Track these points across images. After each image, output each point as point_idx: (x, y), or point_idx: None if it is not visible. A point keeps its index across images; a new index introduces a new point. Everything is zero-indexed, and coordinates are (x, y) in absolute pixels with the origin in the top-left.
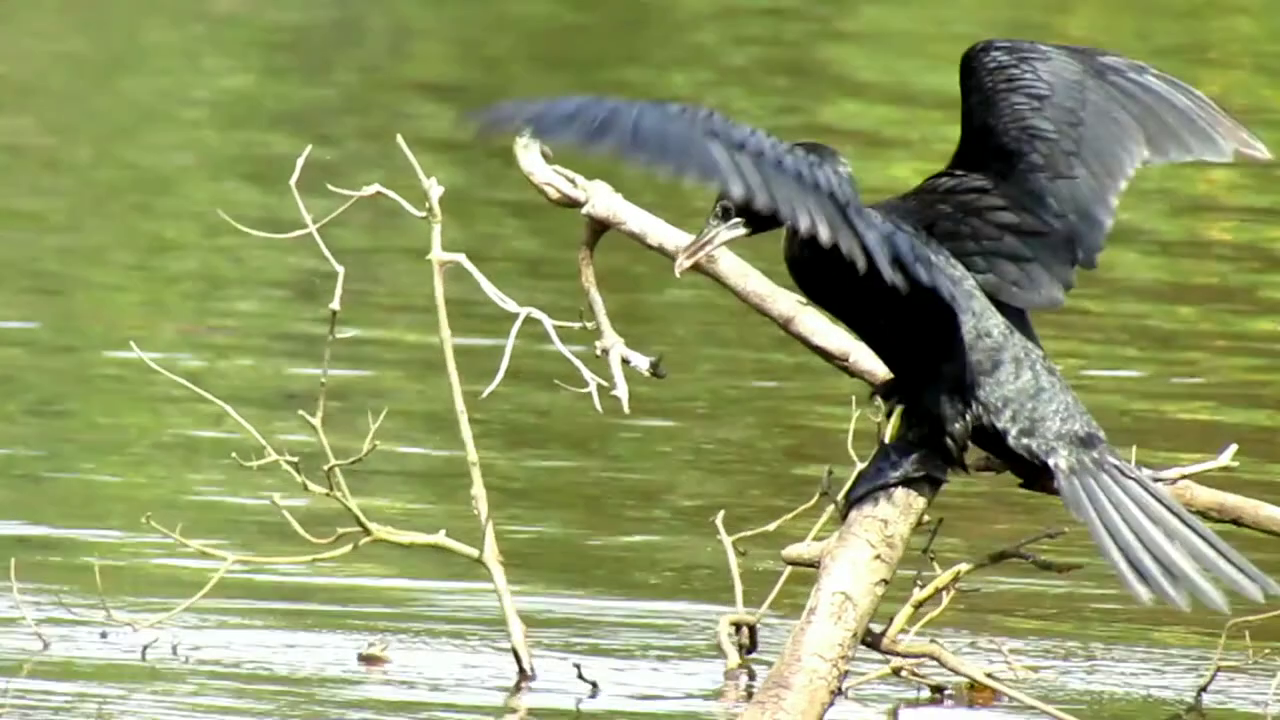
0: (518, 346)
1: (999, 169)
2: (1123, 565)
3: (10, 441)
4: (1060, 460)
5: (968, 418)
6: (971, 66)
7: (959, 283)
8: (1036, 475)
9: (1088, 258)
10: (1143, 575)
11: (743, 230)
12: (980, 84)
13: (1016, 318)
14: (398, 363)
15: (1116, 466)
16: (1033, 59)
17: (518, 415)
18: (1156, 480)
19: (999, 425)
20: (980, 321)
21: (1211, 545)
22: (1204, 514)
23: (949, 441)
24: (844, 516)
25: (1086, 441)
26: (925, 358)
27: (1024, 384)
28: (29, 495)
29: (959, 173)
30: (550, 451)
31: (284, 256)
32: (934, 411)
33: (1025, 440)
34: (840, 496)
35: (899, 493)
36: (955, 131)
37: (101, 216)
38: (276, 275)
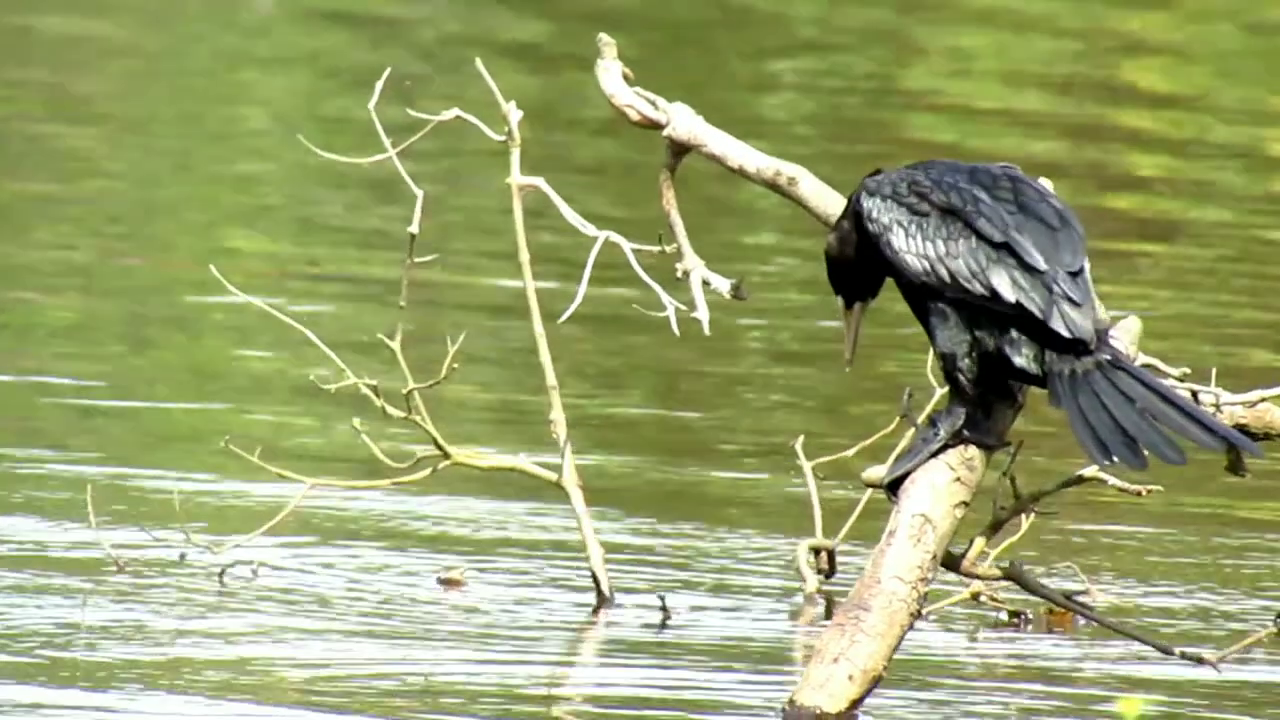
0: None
1: None
2: (1086, 437)
3: (95, 359)
4: (1055, 366)
5: (976, 353)
6: None
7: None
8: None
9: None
10: (1104, 444)
11: (870, 303)
12: None
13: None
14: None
15: (1110, 361)
16: None
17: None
18: (1232, 404)
19: (1004, 349)
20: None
21: (1188, 416)
22: None
23: (961, 379)
24: (891, 497)
25: (1086, 348)
26: (938, 303)
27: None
28: (110, 420)
29: None
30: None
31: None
32: (946, 350)
33: (1021, 361)
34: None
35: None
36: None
37: (181, 125)
38: (359, 178)
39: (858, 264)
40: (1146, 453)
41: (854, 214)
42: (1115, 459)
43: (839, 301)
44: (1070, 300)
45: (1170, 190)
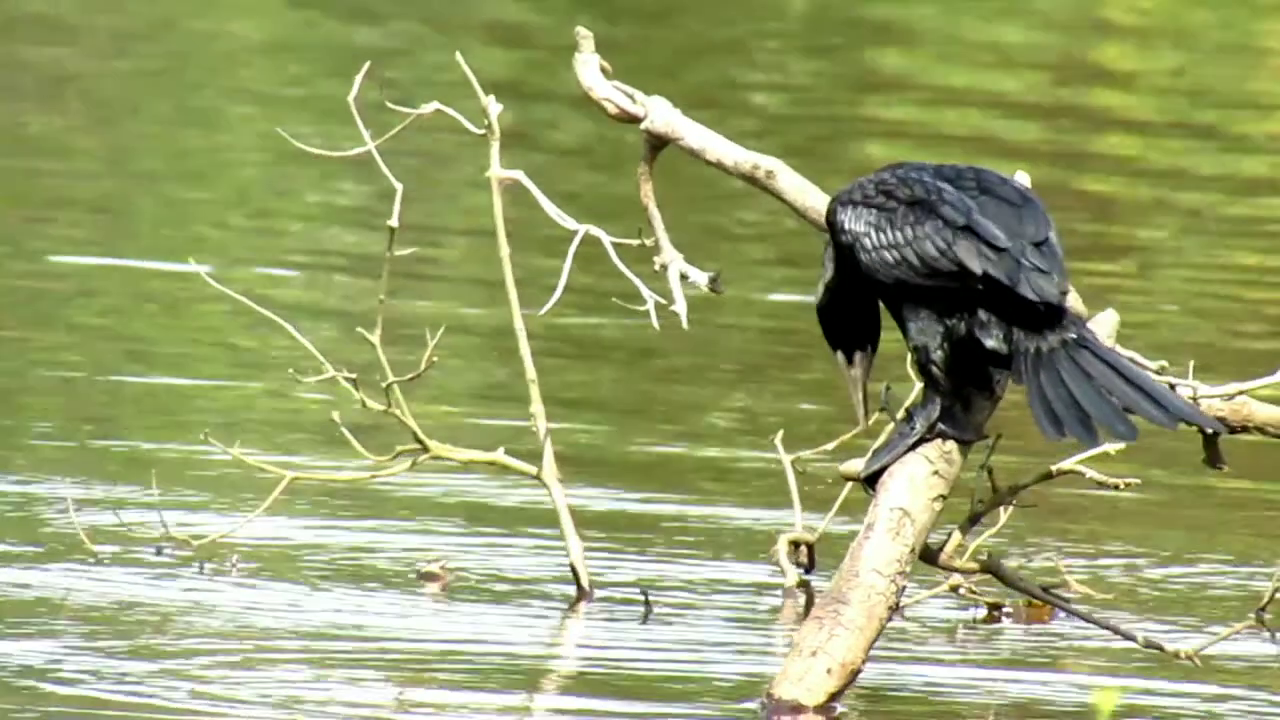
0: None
1: None
2: (1041, 413)
3: (69, 357)
4: (1021, 345)
5: (948, 343)
6: None
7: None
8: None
9: None
10: (1058, 420)
11: (872, 354)
12: None
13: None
14: (457, 281)
15: (1075, 340)
16: None
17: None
18: (1210, 397)
19: (976, 333)
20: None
21: (1146, 394)
22: (1261, 430)
23: (934, 370)
24: (869, 490)
25: (1056, 314)
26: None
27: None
28: (88, 411)
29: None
30: (607, 364)
31: (340, 181)
32: (918, 342)
33: (992, 343)
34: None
35: (956, 411)
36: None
37: (156, 140)
38: (333, 199)
39: (849, 304)
40: (1120, 434)
41: (830, 233)
42: (1067, 435)
43: (839, 358)
44: (1038, 269)
45: (1143, 207)
